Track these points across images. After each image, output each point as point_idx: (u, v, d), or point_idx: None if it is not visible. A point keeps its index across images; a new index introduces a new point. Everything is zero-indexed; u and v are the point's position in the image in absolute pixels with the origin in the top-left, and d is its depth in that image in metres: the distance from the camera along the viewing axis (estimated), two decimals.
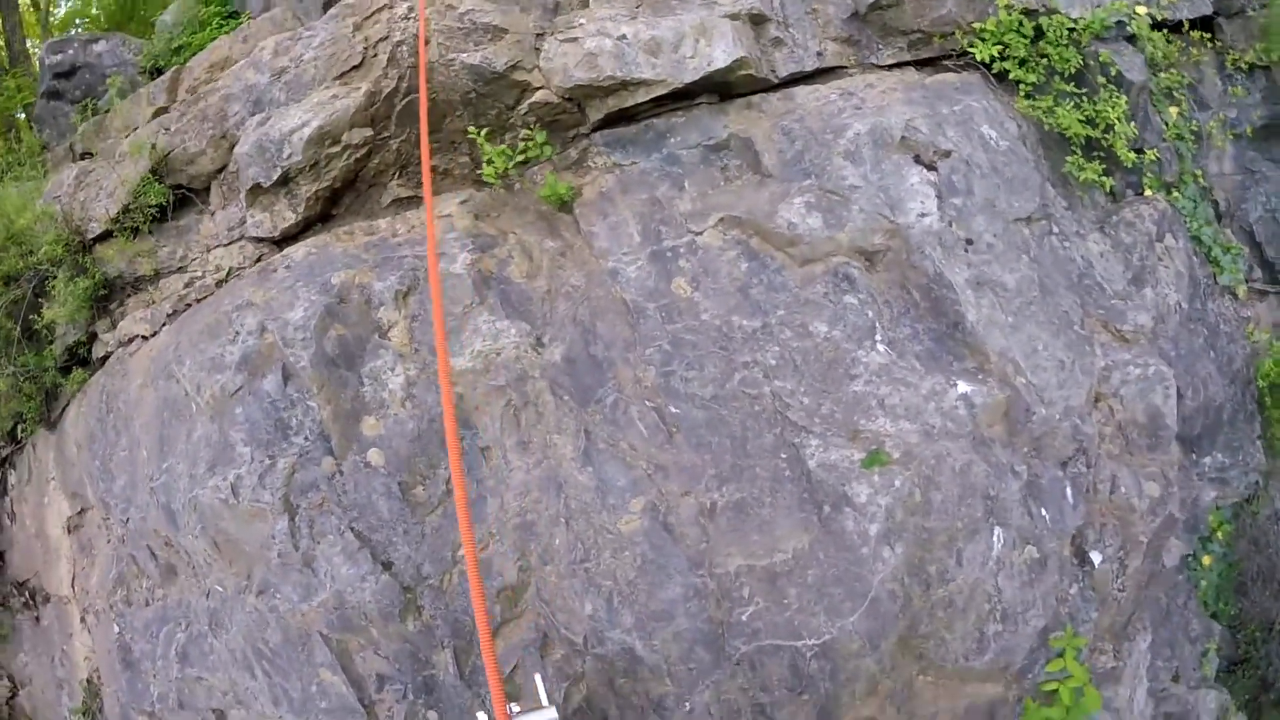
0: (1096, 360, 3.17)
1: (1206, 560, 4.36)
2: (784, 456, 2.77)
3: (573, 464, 2.69)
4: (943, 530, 2.77)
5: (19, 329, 3.33)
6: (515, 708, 1.74)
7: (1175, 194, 3.87)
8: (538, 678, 1.95)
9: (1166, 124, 3.86)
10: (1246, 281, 4.30)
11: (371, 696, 2.73)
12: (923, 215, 2.99)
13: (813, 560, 2.63)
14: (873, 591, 2.62)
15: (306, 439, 2.64)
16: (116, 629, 3.17)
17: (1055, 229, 3.34)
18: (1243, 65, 4.15)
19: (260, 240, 3.28)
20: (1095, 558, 3.16)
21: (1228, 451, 3.98)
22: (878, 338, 2.91)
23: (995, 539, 2.86)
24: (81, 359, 3.50)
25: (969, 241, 3.06)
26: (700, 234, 2.98)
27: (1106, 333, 3.28)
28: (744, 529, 2.70)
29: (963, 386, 2.86)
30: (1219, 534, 4.29)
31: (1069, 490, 3.05)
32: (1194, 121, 4.01)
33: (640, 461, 2.73)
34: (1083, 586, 3.20)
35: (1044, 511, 3.01)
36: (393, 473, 2.66)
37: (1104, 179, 3.48)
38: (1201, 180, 3.91)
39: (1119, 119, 3.43)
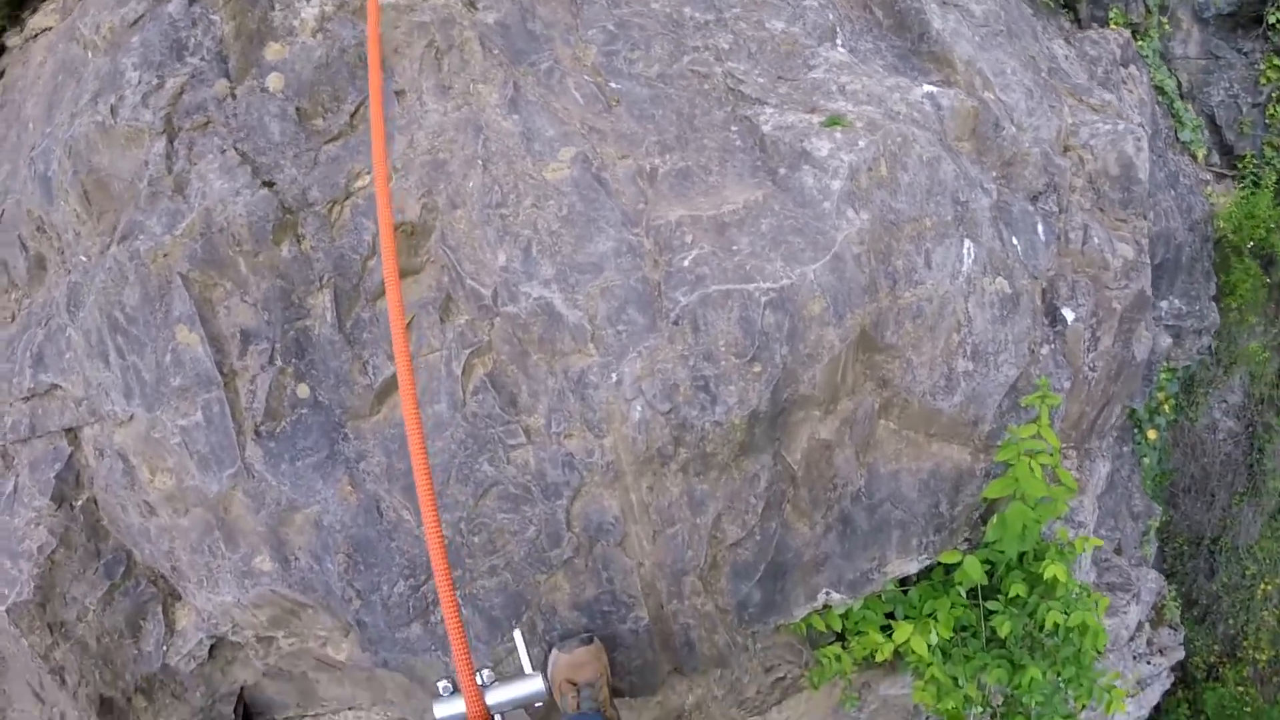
0: (1064, 113, 2.89)
1: (1151, 434, 3.96)
2: (735, 129, 2.41)
3: (497, 111, 2.30)
4: (910, 220, 2.38)
5: None
6: (488, 674, 1.31)
7: (1140, 42, 3.73)
8: (517, 635, 1.38)
9: None
10: (1207, 164, 4.12)
11: (233, 363, 2.19)
12: None
13: (767, 211, 2.21)
14: (836, 247, 2.19)
15: (203, 59, 2.25)
16: None
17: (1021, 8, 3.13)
18: None
19: None
20: (1068, 315, 2.76)
21: (1185, 299, 3.69)
22: (839, 41, 2.62)
23: (966, 252, 2.46)
24: None
25: None
26: None
27: (1073, 99, 3.01)
28: (688, 192, 2.29)
29: (928, 87, 2.55)
30: (1165, 406, 3.91)
31: (1040, 227, 2.69)
32: (1164, 19, 3.90)
33: (574, 121, 2.35)
34: (1054, 349, 2.77)
35: (1015, 241, 2.63)
36: (291, 98, 2.24)
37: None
38: (1167, 27, 3.77)
39: None
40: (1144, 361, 3.07)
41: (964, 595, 2.87)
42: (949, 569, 2.98)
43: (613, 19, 2.54)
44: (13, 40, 3.00)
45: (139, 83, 2.23)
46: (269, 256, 2.12)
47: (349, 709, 3.07)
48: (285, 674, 2.91)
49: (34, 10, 2.98)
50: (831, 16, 2.64)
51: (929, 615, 2.88)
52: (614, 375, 2.15)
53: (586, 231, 2.20)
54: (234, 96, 2.25)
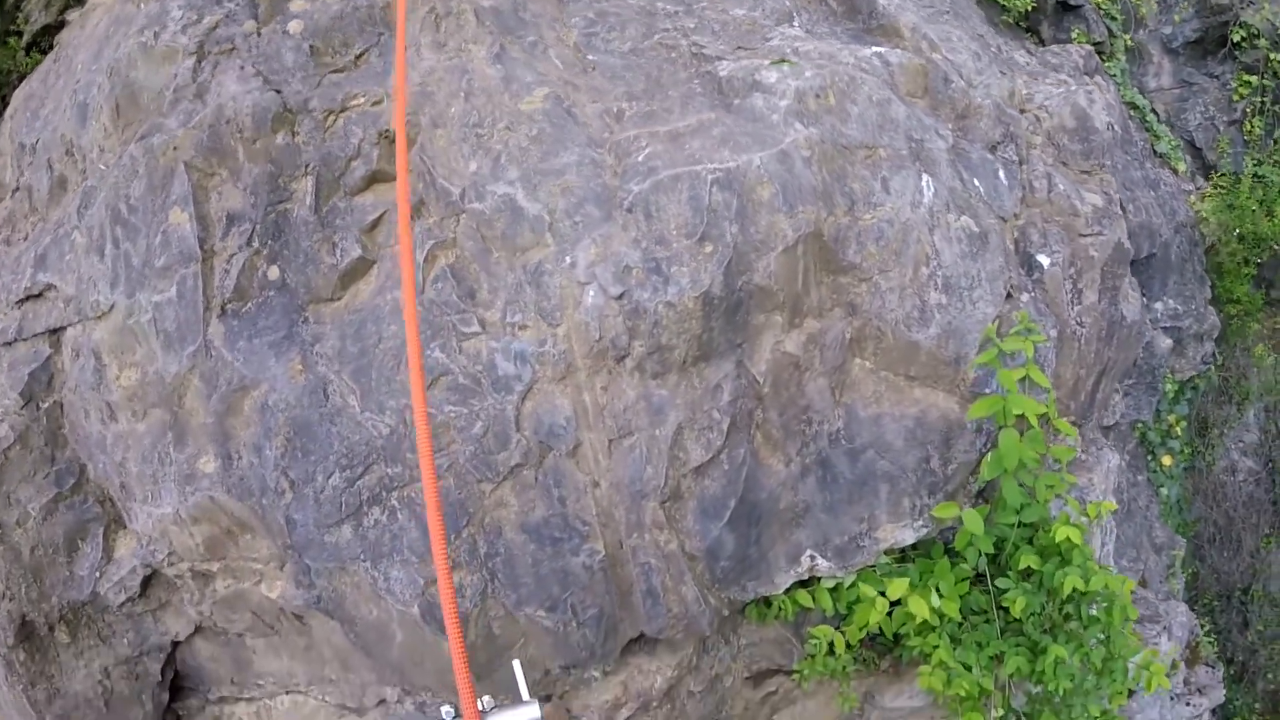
0: (1017, 83, 2.97)
1: (1167, 460, 3.61)
2: (697, 83, 2.56)
3: (483, 61, 2.51)
4: (863, 147, 2.41)
5: None
6: (488, 701, 1.40)
7: (1107, 63, 3.78)
8: (516, 665, 1.59)
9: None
10: (1193, 183, 4.08)
11: (214, 243, 2.25)
12: None
13: (718, 124, 2.30)
14: (784, 145, 2.22)
15: (237, 4, 2.55)
16: None
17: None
18: None
19: None
20: (1043, 261, 2.66)
21: (1180, 299, 3.55)
22: (795, 23, 2.84)
23: (925, 185, 2.46)
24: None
25: None
26: None
27: (1026, 74, 3.10)
28: (651, 125, 2.38)
29: (877, 48, 2.69)
30: (1177, 429, 3.60)
31: (1001, 172, 2.68)
32: (1128, 37, 4.03)
33: (552, 76, 2.53)
34: (1034, 297, 2.64)
35: (977, 182, 2.62)
36: (307, 38, 2.49)
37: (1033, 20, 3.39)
38: (1129, 43, 3.84)
39: None
40: (1136, 323, 2.87)
41: (969, 566, 2.49)
42: (950, 548, 2.62)
43: (593, 10, 2.80)
44: (73, 15, 3.39)
45: (180, 19, 2.51)
46: (265, 143, 2.24)
47: (285, 691, 2.71)
48: (220, 635, 2.62)
49: None
50: (789, 3, 2.86)
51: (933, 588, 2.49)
52: (568, 259, 2.11)
53: (553, 149, 2.27)
54: (259, 34, 2.51)
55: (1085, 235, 2.76)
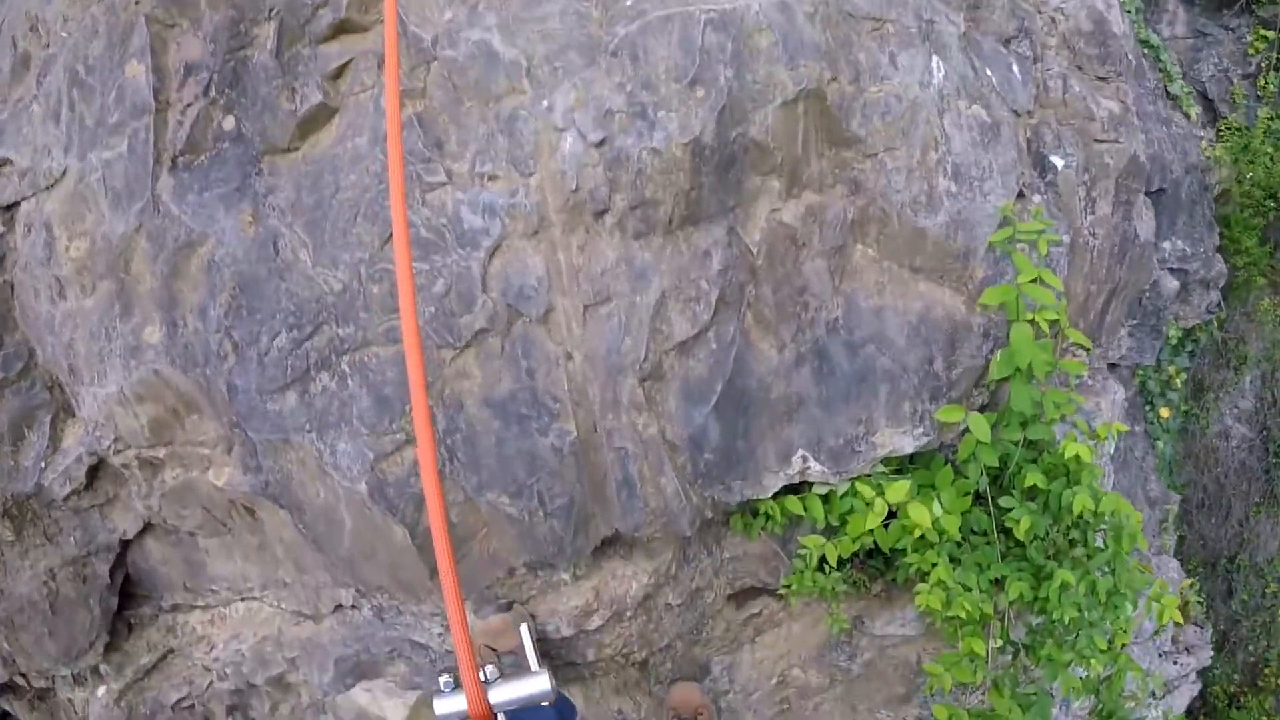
0: None
1: (1165, 413, 3.40)
2: None
3: None
4: (869, 19, 2.22)
5: None
6: (491, 670, 1.19)
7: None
8: (524, 629, 1.38)
9: None
10: (1205, 138, 3.90)
11: (170, 95, 2.09)
12: None
13: None
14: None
15: None
16: None
17: None
18: None
19: None
20: (1057, 162, 2.47)
21: (1189, 241, 3.35)
22: None
23: (935, 66, 2.27)
24: None
25: None
26: None
27: None
28: None
29: None
30: (1176, 380, 3.39)
31: (1014, 66, 2.49)
32: None
33: None
34: (1047, 199, 2.44)
35: (989, 72, 2.42)
36: None
37: None
38: None
39: None
40: (1148, 244, 2.66)
41: (971, 481, 2.27)
42: (953, 459, 2.39)
43: None
44: None
45: None
46: None
47: (240, 598, 2.52)
48: (171, 535, 2.44)
49: None
50: None
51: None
52: (545, 104, 1.93)
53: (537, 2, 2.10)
54: None
55: (1101, 141, 2.56)
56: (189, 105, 2.05)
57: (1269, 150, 3.32)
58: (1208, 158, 3.51)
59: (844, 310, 2.23)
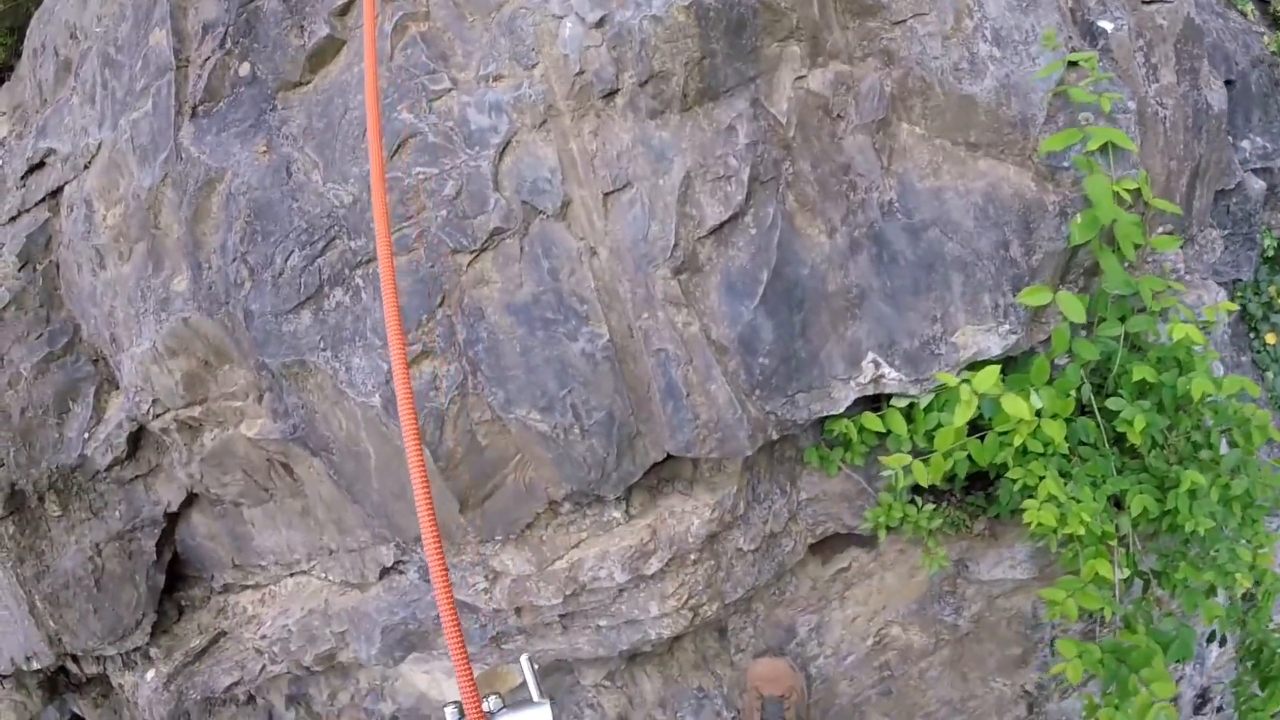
0: None
1: (1270, 338, 2.91)
2: None
3: None
4: None
5: None
6: (495, 701, 1.23)
7: None
8: (524, 660, 1.41)
9: None
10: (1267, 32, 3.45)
11: (190, 53, 2.11)
12: None
13: None
14: None
15: None
16: None
17: None
18: None
19: None
20: (1107, 26, 2.16)
21: (1268, 136, 2.94)
22: None
23: None
24: None
25: None
26: None
27: None
28: None
29: None
30: (1278, 300, 2.88)
31: None
32: None
33: None
34: (1102, 67, 2.09)
35: None
36: None
37: None
38: None
39: None
40: (1221, 114, 2.27)
41: (1072, 382, 1.89)
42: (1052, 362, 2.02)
43: None
44: None
45: None
46: None
47: (290, 573, 2.39)
48: (216, 505, 2.35)
49: None
50: None
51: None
52: None
53: None
54: None
55: (1149, 3, 2.24)
56: (207, 59, 2.07)
57: None
58: (1273, 52, 3.09)
59: (898, 192, 1.97)
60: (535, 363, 1.83)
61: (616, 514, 2.01)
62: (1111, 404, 1.91)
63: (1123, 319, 1.95)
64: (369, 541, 2.16)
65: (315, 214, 1.86)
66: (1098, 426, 1.97)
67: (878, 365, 1.98)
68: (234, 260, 1.90)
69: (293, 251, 1.86)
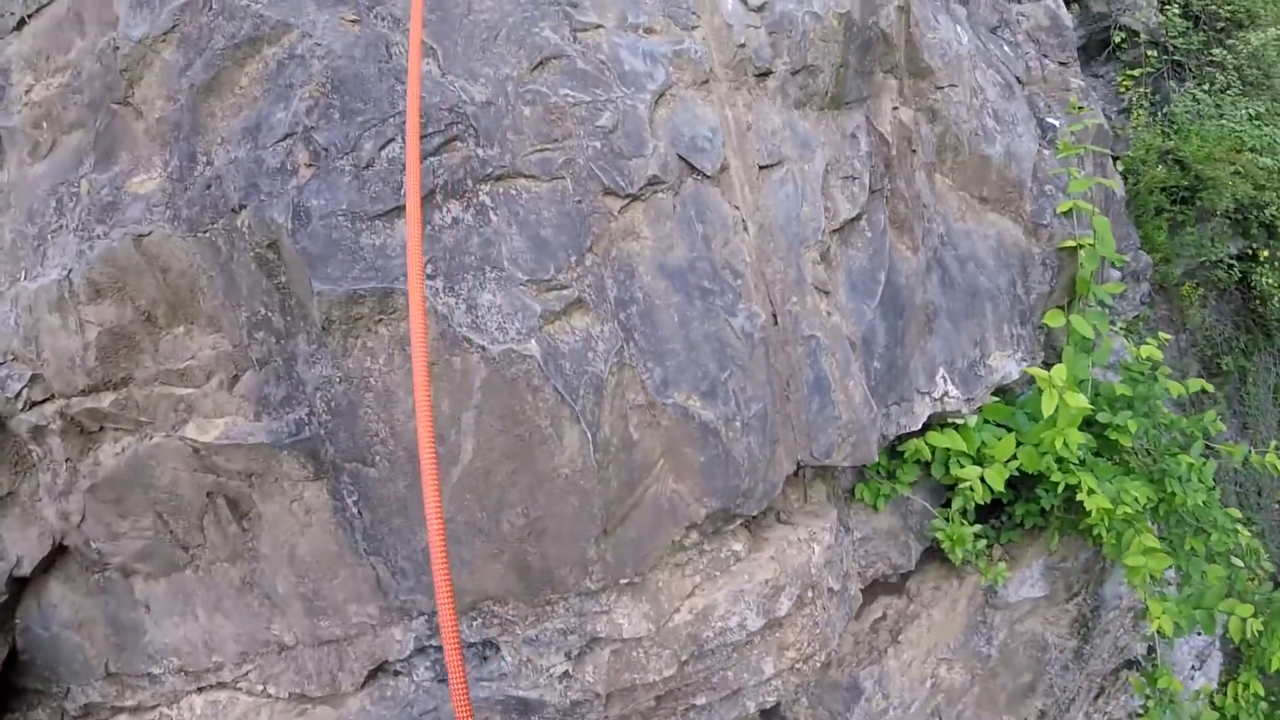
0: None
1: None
2: None
3: None
4: None
5: None
6: None
7: None
8: None
9: None
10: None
11: None
12: None
13: None
14: None
15: None
16: None
17: None
18: None
19: None
20: (1055, 123, 2.82)
21: (1117, 242, 3.96)
22: None
23: (960, 32, 2.57)
24: None
25: None
26: None
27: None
28: None
29: None
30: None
31: (1005, 47, 2.92)
32: None
33: None
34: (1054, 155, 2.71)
35: (992, 47, 2.79)
36: None
37: None
38: None
39: None
40: (1122, 199, 3.10)
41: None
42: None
43: None
44: None
45: None
46: None
47: (198, 688, 1.42)
48: (94, 571, 1.37)
49: None
50: None
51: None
52: None
53: None
54: None
55: (1080, 109, 3.00)
56: None
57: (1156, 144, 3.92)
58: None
59: (945, 227, 2.18)
60: (695, 338, 1.49)
61: (737, 546, 1.62)
62: (1101, 417, 2.24)
63: (1087, 351, 2.34)
64: (369, 622, 1.38)
65: (431, 103, 1.35)
66: (1101, 438, 2.29)
67: (945, 381, 2.04)
68: (286, 138, 1.26)
69: (392, 139, 1.30)
